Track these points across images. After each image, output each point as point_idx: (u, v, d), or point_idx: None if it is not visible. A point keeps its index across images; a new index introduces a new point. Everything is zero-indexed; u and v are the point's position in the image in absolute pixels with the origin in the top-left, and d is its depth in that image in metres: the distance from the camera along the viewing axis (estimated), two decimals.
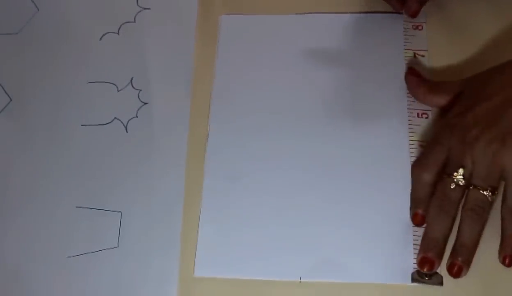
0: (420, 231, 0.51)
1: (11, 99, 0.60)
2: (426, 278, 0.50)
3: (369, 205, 0.53)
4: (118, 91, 0.60)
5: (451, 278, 0.49)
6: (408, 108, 0.56)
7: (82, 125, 0.59)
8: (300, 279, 0.51)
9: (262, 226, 0.53)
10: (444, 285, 0.49)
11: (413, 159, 0.54)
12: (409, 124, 0.55)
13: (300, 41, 0.60)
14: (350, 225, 0.52)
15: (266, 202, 0.54)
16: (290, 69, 0.59)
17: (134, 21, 0.63)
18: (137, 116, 0.58)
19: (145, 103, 0.59)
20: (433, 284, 0.50)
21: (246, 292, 0.51)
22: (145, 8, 0.63)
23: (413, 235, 0.51)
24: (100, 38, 0.62)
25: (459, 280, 0.49)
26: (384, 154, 0.55)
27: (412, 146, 0.54)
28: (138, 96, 0.59)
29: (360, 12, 0.61)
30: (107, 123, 0.58)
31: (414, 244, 0.51)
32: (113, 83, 0.60)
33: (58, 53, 0.62)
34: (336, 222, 0.53)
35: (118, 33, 0.62)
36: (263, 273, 0.52)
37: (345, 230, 0.52)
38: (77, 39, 0.62)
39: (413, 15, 0.59)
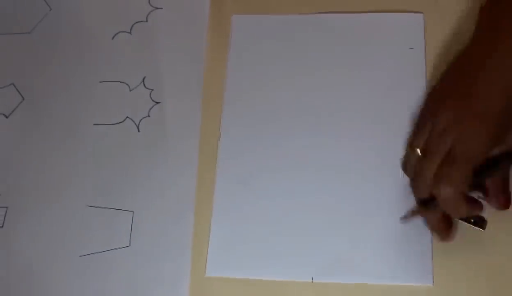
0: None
1: (23, 99, 0.60)
2: (472, 221, 0.49)
3: (383, 203, 0.53)
4: (130, 90, 0.60)
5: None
6: None
7: (94, 124, 0.59)
8: (312, 279, 0.51)
9: (273, 227, 0.53)
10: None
11: None
12: None
13: (312, 41, 0.60)
14: (363, 225, 0.52)
15: (277, 203, 0.54)
16: (303, 70, 0.59)
17: (146, 21, 0.63)
18: (149, 116, 0.58)
19: (157, 103, 0.59)
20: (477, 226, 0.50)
21: (257, 292, 0.52)
22: (157, 8, 0.63)
23: (432, 235, 0.51)
24: (112, 38, 0.62)
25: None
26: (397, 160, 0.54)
27: None
28: (150, 96, 0.59)
29: (374, 11, 0.60)
30: (119, 122, 0.59)
31: (432, 245, 0.51)
32: (125, 83, 0.60)
33: (70, 52, 0.62)
34: (348, 221, 0.53)
35: (130, 33, 0.62)
36: (274, 274, 0.52)
37: (358, 230, 0.52)
38: (89, 39, 0.62)
39: (507, 206, 0.50)
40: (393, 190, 0.53)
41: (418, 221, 0.51)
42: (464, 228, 0.50)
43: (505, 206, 0.49)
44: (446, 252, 0.51)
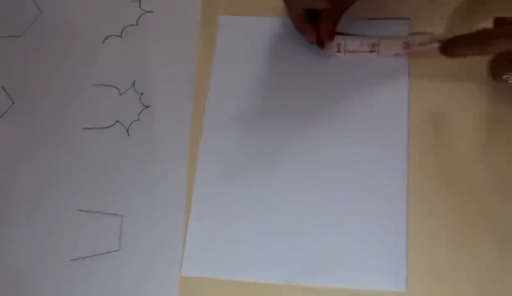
0: (414, 239, 0.51)
1: (13, 102, 0.60)
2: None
3: (362, 209, 0.53)
4: (120, 94, 0.60)
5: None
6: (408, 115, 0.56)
7: (84, 128, 0.59)
8: (286, 281, 0.51)
9: (251, 227, 0.54)
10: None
11: (410, 165, 0.54)
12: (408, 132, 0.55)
13: (296, 42, 0.60)
14: (341, 229, 0.53)
15: (255, 204, 0.54)
16: (286, 70, 0.59)
17: (137, 24, 0.63)
18: (138, 120, 0.59)
19: (147, 107, 0.59)
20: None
21: (233, 292, 0.52)
22: (148, 11, 0.63)
23: (407, 242, 0.51)
24: (103, 41, 0.62)
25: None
26: (380, 159, 0.54)
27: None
28: (140, 100, 0.59)
29: (363, 17, 0.60)
30: (109, 126, 0.59)
31: (407, 250, 0.51)
32: (115, 87, 0.60)
33: (60, 56, 0.62)
34: (327, 225, 0.53)
35: (120, 36, 0.62)
36: (249, 274, 0.52)
37: (337, 234, 0.53)
38: (80, 42, 0.62)
39: (329, 34, 0.57)
40: (375, 195, 0.53)
41: (396, 229, 0.52)
42: (438, 227, 0.51)
43: (328, 34, 0.56)
44: (420, 258, 0.51)
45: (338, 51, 0.59)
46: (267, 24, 0.61)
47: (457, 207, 0.53)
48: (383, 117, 0.56)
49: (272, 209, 0.54)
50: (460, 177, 0.53)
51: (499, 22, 0.51)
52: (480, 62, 0.53)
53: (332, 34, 0.57)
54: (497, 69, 0.52)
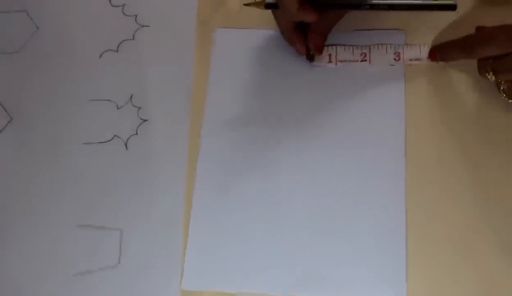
0: (414, 249, 0.51)
1: (11, 118, 0.61)
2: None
3: (360, 219, 0.53)
4: (117, 109, 0.60)
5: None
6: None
7: (83, 143, 0.59)
8: (286, 292, 0.52)
9: (250, 239, 0.54)
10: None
11: (407, 175, 0.54)
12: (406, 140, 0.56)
13: (290, 53, 0.60)
14: (340, 239, 0.53)
15: (255, 215, 0.55)
16: (283, 81, 0.60)
17: (133, 39, 0.63)
18: (136, 134, 0.59)
19: (145, 121, 0.59)
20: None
21: None
22: (144, 26, 0.64)
23: (406, 252, 0.52)
24: (100, 56, 0.63)
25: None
26: (378, 169, 0.55)
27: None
28: (138, 114, 0.60)
29: (356, 30, 0.61)
30: (107, 141, 0.59)
31: (407, 261, 0.52)
32: (112, 101, 0.60)
33: (58, 71, 0.62)
34: (326, 235, 0.53)
35: (117, 51, 0.63)
36: (250, 286, 0.52)
37: (335, 244, 0.53)
38: (76, 57, 0.63)
39: (318, 48, 0.58)
40: (373, 206, 0.54)
41: (395, 240, 0.52)
42: (437, 236, 0.52)
43: (318, 48, 0.58)
44: (420, 267, 0.51)
45: (330, 61, 0.59)
46: (263, 36, 0.61)
47: (456, 215, 0.53)
48: (380, 124, 0.56)
49: (270, 221, 0.54)
50: (459, 184, 0.54)
51: (480, 30, 0.54)
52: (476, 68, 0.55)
53: (321, 48, 0.58)
54: (481, 67, 0.54)
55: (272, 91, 0.59)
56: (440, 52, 0.57)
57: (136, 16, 0.64)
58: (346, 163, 0.55)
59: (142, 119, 0.59)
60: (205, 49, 0.62)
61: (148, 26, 0.64)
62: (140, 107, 0.60)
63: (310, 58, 0.59)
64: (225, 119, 0.59)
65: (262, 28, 0.61)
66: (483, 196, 0.53)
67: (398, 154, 0.55)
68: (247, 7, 0.58)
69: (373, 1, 0.55)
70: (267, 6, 0.57)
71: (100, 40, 0.63)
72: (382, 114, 0.57)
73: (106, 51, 0.63)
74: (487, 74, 0.53)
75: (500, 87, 0.55)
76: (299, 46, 0.58)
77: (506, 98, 0.55)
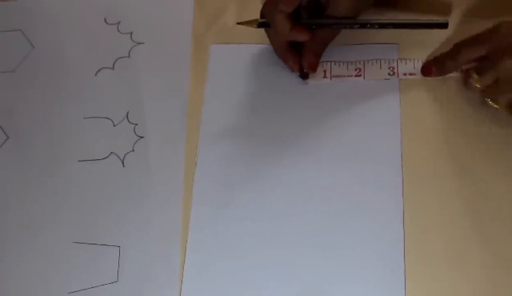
0: (413, 262, 0.51)
1: (8, 137, 0.61)
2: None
3: (358, 234, 0.53)
4: (114, 126, 0.60)
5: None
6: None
7: (79, 161, 0.59)
8: None
9: (248, 255, 0.54)
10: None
11: (404, 188, 0.54)
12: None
13: (285, 67, 0.60)
14: (339, 254, 0.53)
15: (251, 231, 0.54)
16: (279, 96, 0.60)
17: (129, 56, 0.63)
18: (133, 150, 0.59)
19: (141, 137, 0.59)
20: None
21: None
22: (139, 43, 0.64)
23: (405, 267, 0.52)
24: (95, 74, 0.63)
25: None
26: (375, 182, 0.55)
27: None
28: (134, 131, 0.60)
29: (350, 45, 0.61)
30: (104, 158, 0.59)
31: (405, 274, 0.51)
32: (109, 118, 0.61)
33: (54, 89, 0.62)
34: (325, 251, 0.53)
35: (113, 68, 0.63)
36: None
37: (333, 262, 0.53)
38: (72, 75, 0.63)
39: (313, 67, 0.59)
40: (372, 221, 0.54)
41: (393, 255, 0.52)
42: (435, 252, 0.52)
43: (312, 67, 0.58)
44: (418, 281, 0.51)
45: (324, 76, 0.60)
46: (258, 51, 0.62)
47: (454, 227, 0.53)
48: (376, 138, 0.57)
49: (268, 237, 0.54)
50: (456, 195, 0.54)
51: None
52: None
53: (315, 66, 0.59)
54: (466, 77, 0.56)
55: (268, 106, 0.59)
56: (434, 66, 0.57)
57: (131, 33, 0.65)
58: (343, 177, 0.55)
59: (139, 136, 0.60)
60: (201, 65, 0.62)
61: (143, 43, 0.64)
62: (136, 124, 0.60)
63: (304, 76, 0.59)
64: (221, 134, 0.59)
65: (257, 43, 0.62)
66: (480, 207, 0.53)
67: (395, 167, 0.55)
68: (242, 21, 0.58)
69: (365, 20, 0.55)
70: (260, 25, 0.57)
71: (96, 58, 0.64)
72: (378, 127, 0.57)
73: (102, 69, 0.63)
74: (471, 80, 0.55)
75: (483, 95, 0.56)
76: (292, 63, 0.59)
77: (492, 103, 0.55)
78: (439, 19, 0.56)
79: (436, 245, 0.52)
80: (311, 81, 0.60)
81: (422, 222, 0.53)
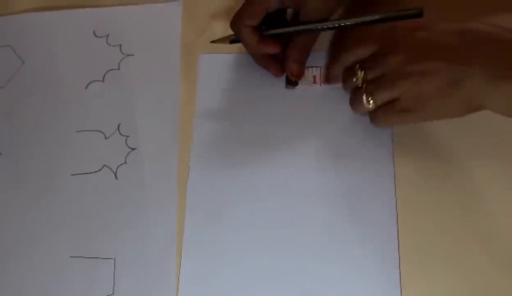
0: (408, 270, 0.52)
1: (0, 153, 0.61)
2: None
3: (353, 242, 0.53)
4: (106, 138, 0.60)
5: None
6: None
7: (71, 174, 0.59)
8: None
9: (243, 265, 0.54)
10: None
11: (397, 186, 0.54)
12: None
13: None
14: (333, 263, 0.53)
15: (247, 240, 0.55)
16: (268, 105, 0.60)
17: (119, 68, 0.64)
18: (125, 162, 0.59)
19: (133, 149, 0.60)
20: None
21: None
22: (129, 55, 0.64)
23: (400, 269, 0.52)
24: (86, 87, 0.63)
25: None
26: (368, 186, 0.55)
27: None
28: (126, 143, 0.60)
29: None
30: (97, 171, 0.59)
31: (400, 281, 0.52)
32: (100, 131, 0.61)
33: (44, 104, 0.62)
34: (319, 260, 0.53)
35: (103, 81, 0.63)
36: None
37: (329, 268, 0.53)
38: (63, 89, 0.63)
39: (297, 76, 0.58)
40: (367, 227, 0.54)
41: (388, 262, 0.52)
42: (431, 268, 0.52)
43: (296, 75, 0.58)
44: (413, 286, 0.52)
45: (314, 82, 0.60)
46: (247, 60, 0.62)
47: (449, 234, 0.53)
48: (367, 142, 0.57)
49: (263, 246, 0.54)
50: (449, 202, 0.54)
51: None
52: None
53: (299, 74, 0.58)
54: (349, 75, 0.54)
55: (259, 113, 0.60)
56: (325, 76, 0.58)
57: (121, 45, 0.65)
58: (336, 181, 0.56)
59: (131, 148, 0.60)
60: (190, 75, 0.62)
61: (132, 55, 0.64)
62: (128, 136, 0.60)
63: (292, 84, 0.60)
64: (213, 144, 0.59)
65: (246, 53, 0.61)
66: (474, 207, 0.53)
67: (387, 169, 0.55)
68: (230, 31, 0.58)
69: (337, 21, 0.55)
70: (232, 41, 0.58)
71: (86, 71, 0.64)
72: (369, 131, 0.57)
73: (92, 82, 0.63)
74: (355, 76, 0.52)
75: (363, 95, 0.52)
76: (274, 69, 0.59)
77: (366, 103, 0.52)
78: (412, 9, 0.52)
79: (431, 246, 0.52)
80: (301, 86, 0.60)
81: (416, 224, 0.53)
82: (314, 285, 0.52)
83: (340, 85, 0.56)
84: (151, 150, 0.59)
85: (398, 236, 0.53)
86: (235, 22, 0.56)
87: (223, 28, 0.63)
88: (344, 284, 0.52)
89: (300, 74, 0.58)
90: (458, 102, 0.48)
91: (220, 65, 0.62)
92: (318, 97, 0.59)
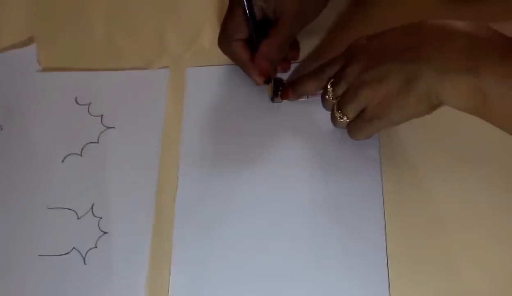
0: (397, 279, 0.52)
1: None
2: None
3: (342, 251, 0.53)
4: (78, 218, 0.58)
5: None
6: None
7: (39, 255, 0.57)
8: None
9: (233, 276, 0.54)
10: None
11: (384, 193, 0.55)
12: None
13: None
14: (323, 272, 0.53)
15: (236, 250, 0.54)
16: (257, 117, 0.60)
17: (98, 142, 0.61)
18: (96, 247, 0.57)
19: (105, 233, 0.57)
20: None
21: None
22: (109, 127, 0.62)
23: (388, 276, 0.52)
24: (62, 160, 0.61)
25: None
26: (357, 202, 0.55)
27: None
28: (98, 225, 0.58)
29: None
30: (65, 253, 0.57)
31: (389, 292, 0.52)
32: (73, 210, 0.58)
33: (18, 176, 0.60)
34: (308, 268, 0.53)
35: (81, 155, 0.61)
36: None
37: (318, 277, 0.53)
38: (38, 161, 0.61)
39: (263, 73, 0.57)
40: (356, 242, 0.54)
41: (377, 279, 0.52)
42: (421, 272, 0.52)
43: (263, 72, 0.57)
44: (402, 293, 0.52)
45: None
46: (234, 72, 0.61)
47: (438, 239, 0.53)
48: (354, 152, 0.57)
49: (252, 257, 0.54)
50: (438, 205, 0.54)
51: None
52: None
53: (266, 72, 0.57)
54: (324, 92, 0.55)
55: (247, 126, 0.60)
56: (292, 88, 0.58)
57: (102, 116, 0.63)
58: (325, 191, 0.56)
59: (103, 231, 0.57)
60: (178, 88, 0.62)
61: (113, 127, 0.62)
62: (101, 218, 0.58)
63: (281, 96, 0.59)
64: (201, 157, 0.59)
65: (233, 64, 0.60)
66: (463, 213, 0.54)
67: (374, 177, 0.56)
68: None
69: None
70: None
71: (64, 142, 0.61)
72: (357, 143, 0.56)
73: (69, 154, 0.61)
74: (327, 93, 0.54)
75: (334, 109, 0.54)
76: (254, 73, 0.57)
77: (340, 118, 0.54)
78: None
79: (419, 255, 0.53)
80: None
81: (404, 233, 0.53)
82: (304, 295, 0.52)
83: (305, 99, 0.59)
84: (123, 234, 0.57)
85: (386, 245, 0.53)
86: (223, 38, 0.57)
87: (210, 40, 0.64)
88: (333, 293, 0.52)
89: (267, 73, 0.57)
90: (418, 100, 0.48)
91: (207, 77, 0.62)
92: (305, 109, 0.59)
